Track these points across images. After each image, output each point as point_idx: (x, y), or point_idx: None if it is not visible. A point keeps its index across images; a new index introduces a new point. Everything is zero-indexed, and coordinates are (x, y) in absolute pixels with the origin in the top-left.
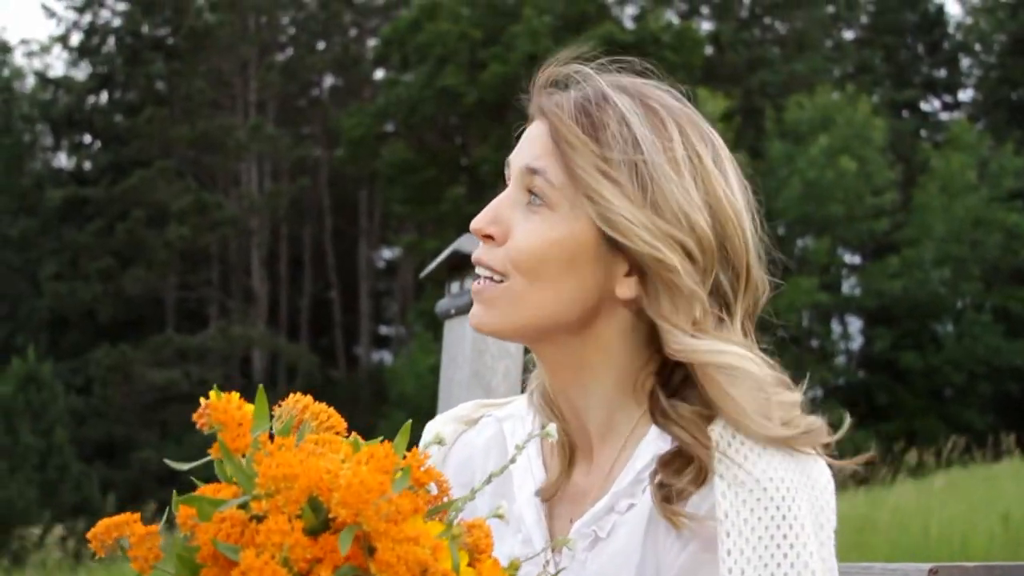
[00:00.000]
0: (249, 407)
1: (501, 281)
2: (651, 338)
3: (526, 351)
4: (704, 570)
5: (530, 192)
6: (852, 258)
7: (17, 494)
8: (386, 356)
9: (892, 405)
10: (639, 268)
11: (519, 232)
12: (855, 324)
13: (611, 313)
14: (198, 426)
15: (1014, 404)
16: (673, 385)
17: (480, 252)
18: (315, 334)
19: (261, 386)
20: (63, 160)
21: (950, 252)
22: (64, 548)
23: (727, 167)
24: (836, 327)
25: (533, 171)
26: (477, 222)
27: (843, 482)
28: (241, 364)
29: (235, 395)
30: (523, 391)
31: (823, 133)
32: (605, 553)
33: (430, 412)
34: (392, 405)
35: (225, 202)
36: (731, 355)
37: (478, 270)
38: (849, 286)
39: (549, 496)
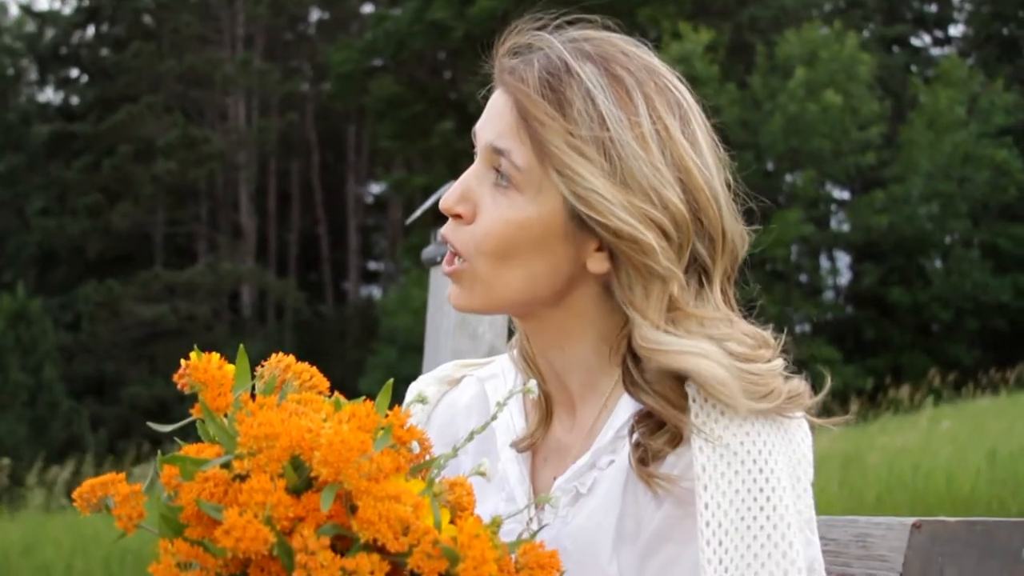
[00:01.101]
0: (230, 367)
1: (466, 264)
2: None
3: None
4: (679, 528)
5: (497, 171)
6: (841, 193)
7: (7, 431)
8: (375, 291)
9: (879, 341)
10: (608, 245)
11: (486, 215)
12: (843, 260)
13: (584, 284)
14: (179, 387)
15: (1001, 340)
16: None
17: (447, 229)
18: (303, 269)
19: (242, 346)
20: (50, 95)
21: (937, 188)
22: (50, 488)
23: (696, 133)
24: (825, 263)
25: (498, 151)
26: (446, 200)
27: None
28: (230, 299)
29: (215, 355)
30: (510, 340)
31: (804, 68)
32: (586, 508)
33: (420, 347)
34: (382, 340)
35: (213, 137)
36: (694, 358)
37: (448, 247)
38: (837, 221)
39: (525, 448)
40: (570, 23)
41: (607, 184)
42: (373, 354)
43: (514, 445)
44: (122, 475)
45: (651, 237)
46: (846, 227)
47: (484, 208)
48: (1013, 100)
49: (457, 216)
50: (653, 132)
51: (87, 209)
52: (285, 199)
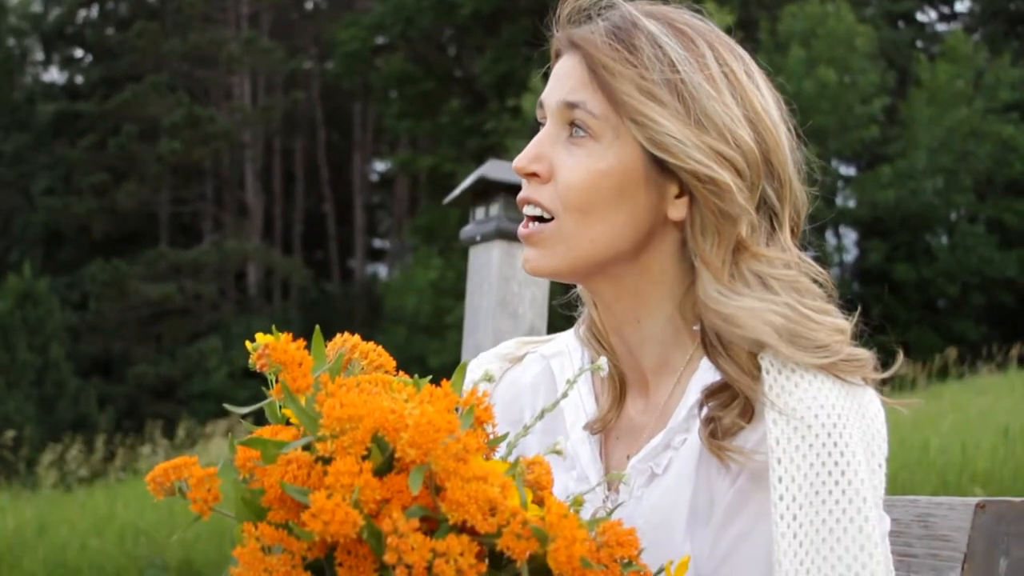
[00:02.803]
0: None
1: (549, 220)
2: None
3: (564, 287)
4: (752, 503)
5: (571, 126)
6: (847, 170)
7: (15, 410)
8: (381, 270)
9: (886, 317)
10: (689, 189)
11: (565, 168)
12: (850, 236)
13: (662, 237)
14: (257, 367)
15: (1007, 315)
16: None
17: (528, 191)
18: (309, 248)
19: (318, 327)
20: (55, 74)
21: (941, 164)
22: (61, 468)
23: (759, 81)
24: (831, 239)
25: (572, 105)
26: (520, 160)
27: None
28: (236, 278)
29: (288, 336)
30: (550, 320)
31: (799, 45)
32: (660, 488)
33: (428, 327)
34: (388, 319)
35: (218, 116)
36: (748, 319)
37: (526, 209)
38: (844, 198)
39: (599, 429)
40: None
41: (681, 126)
42: (382, 333)
43: (587, 427)
44: (194, 458)
45: (727, 176)
46: (852, 203)
47: (562, 163)
48: (1020, 75)
49: (532, 175)
50: (721, 74)
51: (92, 189)
52: (290, 178)
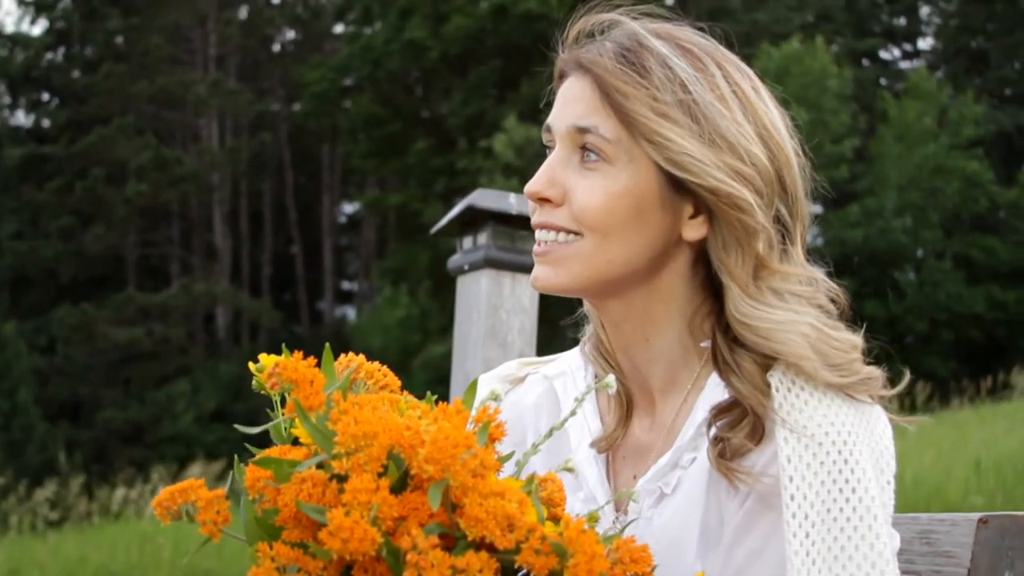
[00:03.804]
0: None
1: (569, 240)
2: (709, 279)
3: (542, 311)
4: (762, 523)
5: (583, 150)
6: (814, 208)
7: None
8: (349, 311)
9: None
10: (707, 208)
11: (580, 191)
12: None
13: (675, 257)
14: (268, 386)
15: (976, 351)
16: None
17: (542, 215)
18: (278, 290)
19: (328, 344)
20: (21, 118)
21: (910, 200)
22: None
23: (766, 97)
24: None
25: (584, 130)
26: (533, 185)
27: None
28: (204, 321)
29: (299, 354)
30: (538, 349)
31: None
32: (670, 508)
33: (397, 365)
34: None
35: (185, 158)
36: (783, 334)
37: (540, 234)
38: (811, 236)
39: (605, 448)
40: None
41: (698, 145)
42: None
43: (594, 445)
44: (201, 480)
45: (747, 193)
46: (820, 241)
47: (576, 188)
48: (983, 112)
49: (545, 201)
50: (731, 93)
51: (60, 232)
52: (259, 220)
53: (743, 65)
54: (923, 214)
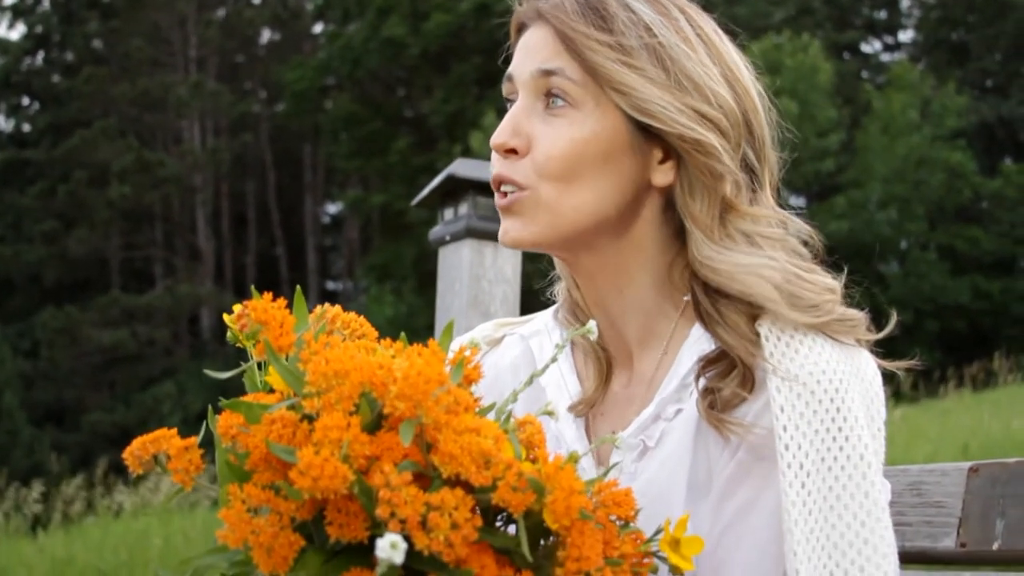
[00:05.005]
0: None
1: (526, 190)
2: (681, 229)
3: (524, 281)
4: (754, 474)
5: (548, 96)
6: (798, 200)
7: None
8: None
9: None
10: (675, 152)
11: (544, 139)
12: None
13: (646, 204)
14: (238, 328)
15: (961, 341)
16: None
17: (500, 168)
18: (262, 291)
19: (299, 287)
20: (1, 123)
21: (894, 192)
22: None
23: (729, 43)
24: None
25: (549, 72)
26: (499, 135)
27: None
28: (189, 323)
29: (269, 295)
30: (520, 316)
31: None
32: (655, 461)
33: None
34: None
35: (167, 160)
36: (747, 276)
37: (500, 188)
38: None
39: (583, 412)
40: None
41: (663, 91)
42: None
43: (572, 409)
44: (174, 430)
45: (712, 138)
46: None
47: (540, 135)
48: (965, 103)
49: (511, 152)
50: (695, 35)
51: (43, 236)
52: (242, 221)
53: (702, 12)
54: (908, 206)
